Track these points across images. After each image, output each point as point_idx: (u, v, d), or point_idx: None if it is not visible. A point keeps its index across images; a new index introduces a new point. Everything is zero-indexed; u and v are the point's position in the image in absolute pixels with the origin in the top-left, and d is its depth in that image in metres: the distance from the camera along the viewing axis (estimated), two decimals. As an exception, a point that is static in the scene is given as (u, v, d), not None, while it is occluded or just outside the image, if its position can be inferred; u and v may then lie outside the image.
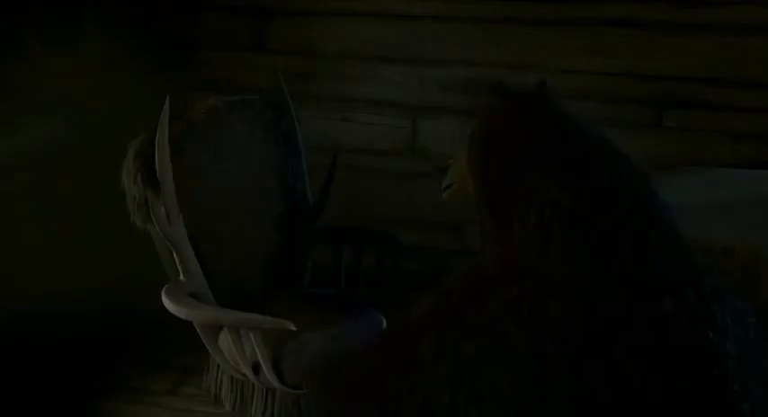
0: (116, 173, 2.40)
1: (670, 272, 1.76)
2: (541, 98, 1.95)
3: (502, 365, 1.67)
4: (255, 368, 2.32)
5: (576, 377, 1.65)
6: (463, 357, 1.69)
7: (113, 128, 2.84)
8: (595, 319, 1.67)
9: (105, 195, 2.52)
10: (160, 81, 3.18)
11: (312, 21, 3.57)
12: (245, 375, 2.36)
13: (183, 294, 2.30)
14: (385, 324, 2.47)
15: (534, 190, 1.76)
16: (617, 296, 1.70)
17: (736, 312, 1.81)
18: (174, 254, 2.34)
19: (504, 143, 1.87)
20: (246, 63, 3.64)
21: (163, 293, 2.29)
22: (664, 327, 1.69)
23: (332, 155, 2.86)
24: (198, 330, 2.34)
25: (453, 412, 1.69)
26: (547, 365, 1.65)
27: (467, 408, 1.68)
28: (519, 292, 1.70)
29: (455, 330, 1.73)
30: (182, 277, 2.35)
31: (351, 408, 1.88)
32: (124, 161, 2.40)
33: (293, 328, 2.17)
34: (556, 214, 1.73)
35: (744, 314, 1.82)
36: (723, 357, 1.70)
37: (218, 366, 2.48)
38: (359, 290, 2.75)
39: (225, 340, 2.34)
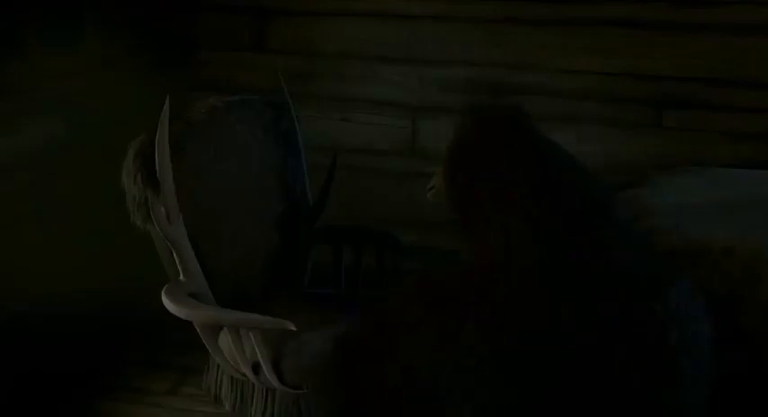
0: (116, 173, 2.40)
1: (628, 272, 1.90)
2: (511, 118, 2.04)
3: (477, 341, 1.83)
4: (255, 368, 2.32)
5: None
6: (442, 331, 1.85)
7: (113, 128, 2.84)
8: (547, 310, 1.83)
9: (105, 195, 2.52)
10: (160, 81, 3.18)
11: (312, 21, 3.57)
12: (245, 375, 2.36)
13: (183, 294, 2.30)
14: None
15: (498, 200, 1.93)
16: (570, 294, 1.83)
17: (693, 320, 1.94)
18: (174, 254, 2.34)
19: (471, 160, 2.04)
20: (246, 63, 3.64)
21: (163, 293, 2.29)
22: (616, 327, 1.82)
23: (332, 155, 2.86)
24: (198, 330, 2.34)
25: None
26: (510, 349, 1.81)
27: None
28: (486, 286, 1.86)
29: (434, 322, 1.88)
30: (182, 277, 2.35)
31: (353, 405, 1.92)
32: (124, 161, 2.40)
33: (293, 328, 2.17)
34: (519, 220, 1.89)
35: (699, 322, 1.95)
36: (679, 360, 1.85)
37: (218, 366, 2.48)
38: (359, 290, 2.76)
39: (225, 340, 2.34)
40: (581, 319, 1.80)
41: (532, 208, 1.89)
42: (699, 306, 1.96)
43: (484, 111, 2.14)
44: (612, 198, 2.05)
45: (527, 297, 1.83)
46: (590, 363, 1.78)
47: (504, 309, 1.82)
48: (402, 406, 1.88)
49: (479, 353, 1.80)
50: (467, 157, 2.06)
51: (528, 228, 1.87)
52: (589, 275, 1.84)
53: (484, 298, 1.85)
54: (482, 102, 2.18)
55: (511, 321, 1.82)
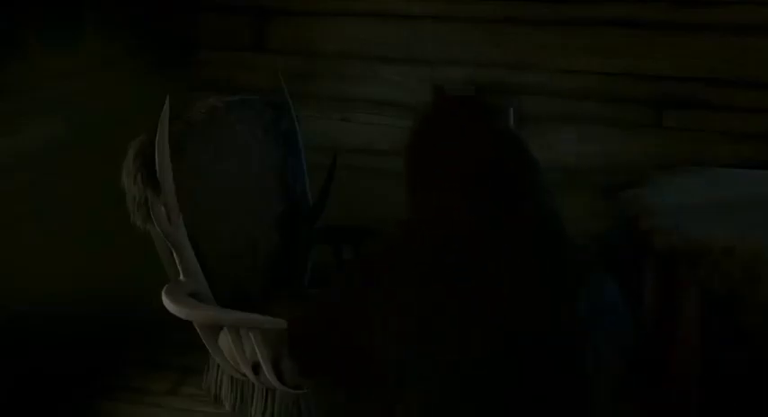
0: (116, 173, 2.40)
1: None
2: (474, 103, 2.15)
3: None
4: (255, 368, 2.32)
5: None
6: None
7: (113, 128, 2.85)
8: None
9: (105, 195, 2.52)
10: (160, 81, 3.18)
11: (312, 21, 3.57)
12: (245, 375, 2.36)
13: (183, 294, 2.31)
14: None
15: (444, 173, 2.03)
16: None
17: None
18: (174, 254, 2.34)
19: (431, 133, 2.15)
20: (246, 63, 3.64)
21: (163, 293, 2.29)
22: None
23: (332, 155, 2.86)
24: (198, 330, 2.34)
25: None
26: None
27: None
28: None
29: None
30: (182, 277, 2.35)
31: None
32: (124, 161, 2.40)
33: (293, 328, 2.17)
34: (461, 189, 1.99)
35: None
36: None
37: (218, 366, 2.48)
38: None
39: (225, 340, 2.34)
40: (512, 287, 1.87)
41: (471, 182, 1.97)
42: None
43: (449, 99, 2.24)
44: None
45: (465, 263, 1.90)
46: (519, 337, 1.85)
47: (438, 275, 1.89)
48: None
49: (410, 320, 1.87)
50: (427, 129, 2.17)
51: (463, 195, 1.97)
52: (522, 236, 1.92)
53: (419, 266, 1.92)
54: (443, 89, 2.27)
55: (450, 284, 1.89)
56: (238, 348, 2.30)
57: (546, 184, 2.07)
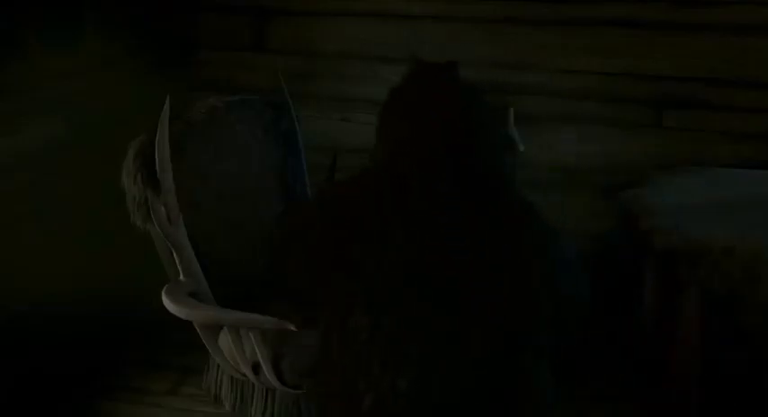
0: (116, 173, 2.40)
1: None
2: (445, 70, 2.35)
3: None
4: (255, 368, 2.32)
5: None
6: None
7: (113, 128, 2.84)
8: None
9: (105, 195, 2.52)
10: (160, 81, 3.18)
11: (312, 21, 3.57)
12: (245, 375, 2.36)
13: (183, 294, 2.30)
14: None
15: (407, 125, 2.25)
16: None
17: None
18: (175, 254, 2.34)
19: (404, 96, 2.34)
20: (246, 63, 3.64)
21: (163, 293, 2.29)
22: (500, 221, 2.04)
23: (332, 155, 2.86)
24: (198, 330, 2.34)
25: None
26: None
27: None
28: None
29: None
30: (182, 277, 2.35)
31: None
32: (124, 161, 2.40)
33: (293, 328, 2.17)
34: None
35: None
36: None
37: (218, 366, 2.48)
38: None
39: (225, 340, 2.34)
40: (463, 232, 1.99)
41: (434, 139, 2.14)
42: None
43: (425, 64, 2.43)
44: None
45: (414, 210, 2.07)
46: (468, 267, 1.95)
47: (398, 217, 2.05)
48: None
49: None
50: (401, 94, 2.34)
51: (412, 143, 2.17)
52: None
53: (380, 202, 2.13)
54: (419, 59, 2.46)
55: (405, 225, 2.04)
56: (238, 348, 2.30)
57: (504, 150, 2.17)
